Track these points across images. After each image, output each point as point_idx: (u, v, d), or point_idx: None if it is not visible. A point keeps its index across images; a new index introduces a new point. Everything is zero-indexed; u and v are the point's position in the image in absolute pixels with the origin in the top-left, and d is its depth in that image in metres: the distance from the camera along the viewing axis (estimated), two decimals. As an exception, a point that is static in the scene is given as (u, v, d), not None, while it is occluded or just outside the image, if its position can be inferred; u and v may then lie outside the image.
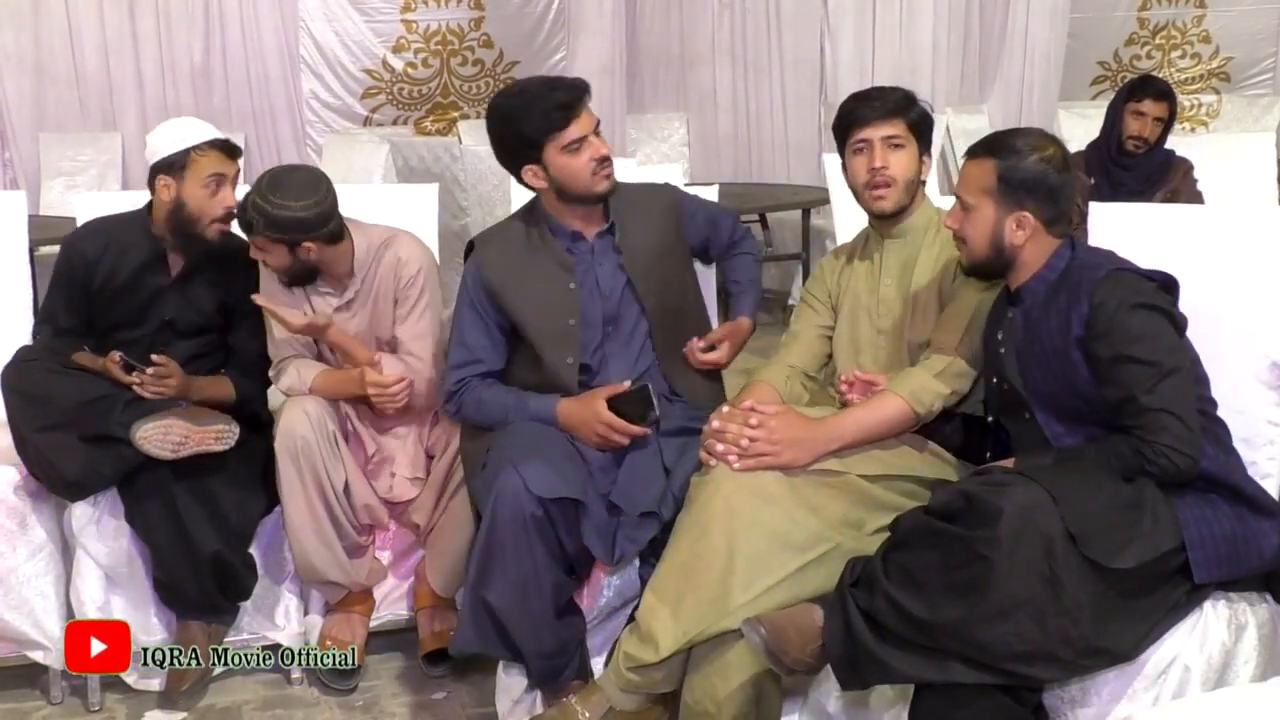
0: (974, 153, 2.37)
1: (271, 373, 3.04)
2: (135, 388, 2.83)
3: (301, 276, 2.93)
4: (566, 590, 2.58)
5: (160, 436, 2.75)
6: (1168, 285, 2.26)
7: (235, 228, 2.95)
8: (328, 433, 2.87)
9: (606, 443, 2.63)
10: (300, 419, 2.85)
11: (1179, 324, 2.22)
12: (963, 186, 2.36)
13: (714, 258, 3.07)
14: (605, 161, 2.67)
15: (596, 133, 2.67)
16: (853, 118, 2.61)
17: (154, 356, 2.85)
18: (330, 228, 2.85)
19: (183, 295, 3.01)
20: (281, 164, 3.02)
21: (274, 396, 3.16)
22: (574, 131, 2.62)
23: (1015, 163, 2.30)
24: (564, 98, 2.62)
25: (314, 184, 2.85)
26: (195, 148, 2.91)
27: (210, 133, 2.95)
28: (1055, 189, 2.28)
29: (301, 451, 2.82)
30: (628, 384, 2.66)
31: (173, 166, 2.91)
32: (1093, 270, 2.22)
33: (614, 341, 2.77)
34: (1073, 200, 2.32)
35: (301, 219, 2.79)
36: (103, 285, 2.98)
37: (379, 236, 3.01)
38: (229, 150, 2.96)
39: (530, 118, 2.60)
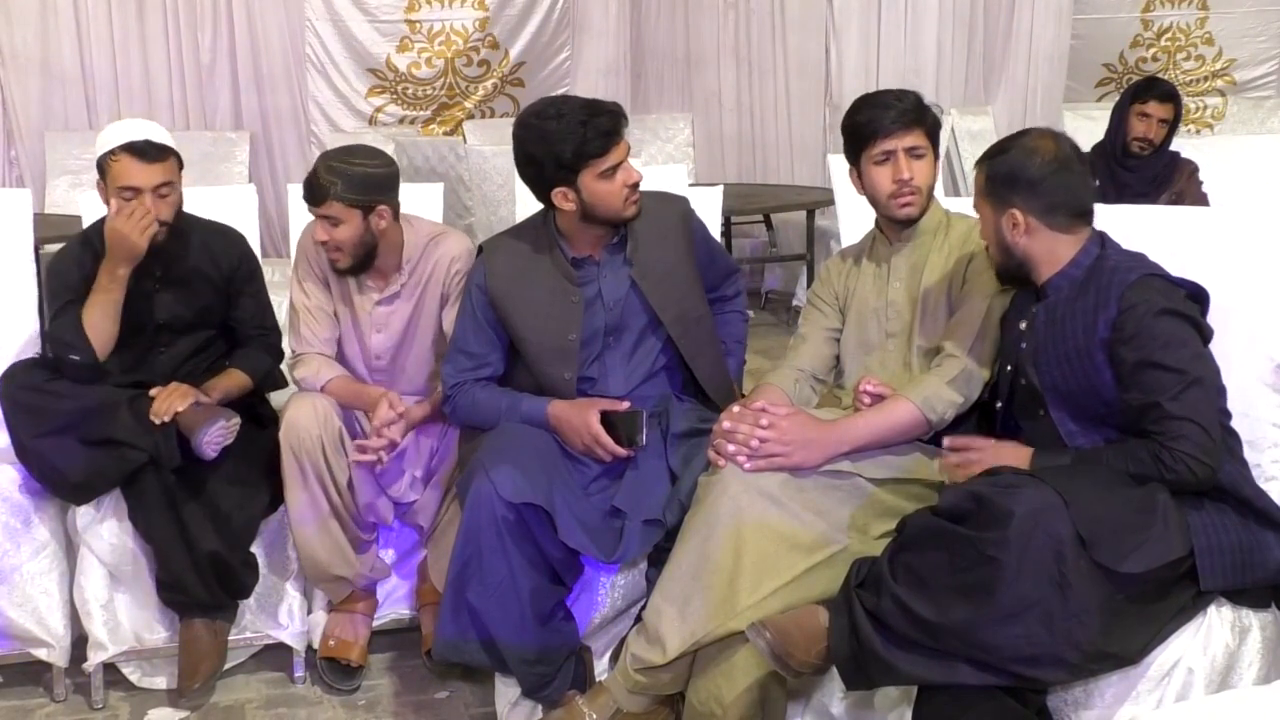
0: (976, 161, 2.38)
1: (288, 362, 3.05)
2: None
3: (363, 259, 2.93)
4: (548, 596, 2.57)
5: (219, 440, 2.77)
6: (1197, 295, 2.25)
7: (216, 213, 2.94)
8: (333, 429, 2.88)
9: (590, 453, 2.64)
10: (306, 414, 2.86)
11: (1205, 334, 2.22)
12: (974, 195, 2.39)
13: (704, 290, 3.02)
14: (636, 188, 2.67)
15: (628, 158, 2.67)
16: (873, 127, 2.56)
17: (151, 391, 2.83)
18: (397, 196, 2.92)
19: (174, 294, 3.00)
20: (340, 146, 3.00)
21: (281, 393, 3.17)
22: (612, 158, 2.61)
23: (997, 162, 2.31)
24: (607, 124, 2.59)
25: (379, 150, 2.94)
26: (110, 153, 2.84)
27: (124, 135, 2.84)
28: (1034, 180, 2.26)
29: (305, 447, 2.83)
30: (625, 405, 2.66)
31: (101, 172, 2.87)
32: (1123, 273, 2.21)
33: (614, 352, 2.77)
34: (1073, 191, 2.28)
35: (379, 177, 2.86)
36: None
37: (426, 231, 3.04)
38: (141, 154, 2.83)
39: (570, 142, 2.57)
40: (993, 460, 2.25)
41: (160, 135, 2.91)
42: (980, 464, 2.26)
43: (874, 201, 2.64)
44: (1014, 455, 2.26)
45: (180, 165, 2.94)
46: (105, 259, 2.84)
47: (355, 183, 2.82)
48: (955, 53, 7.35)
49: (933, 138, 2.60)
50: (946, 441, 2.34)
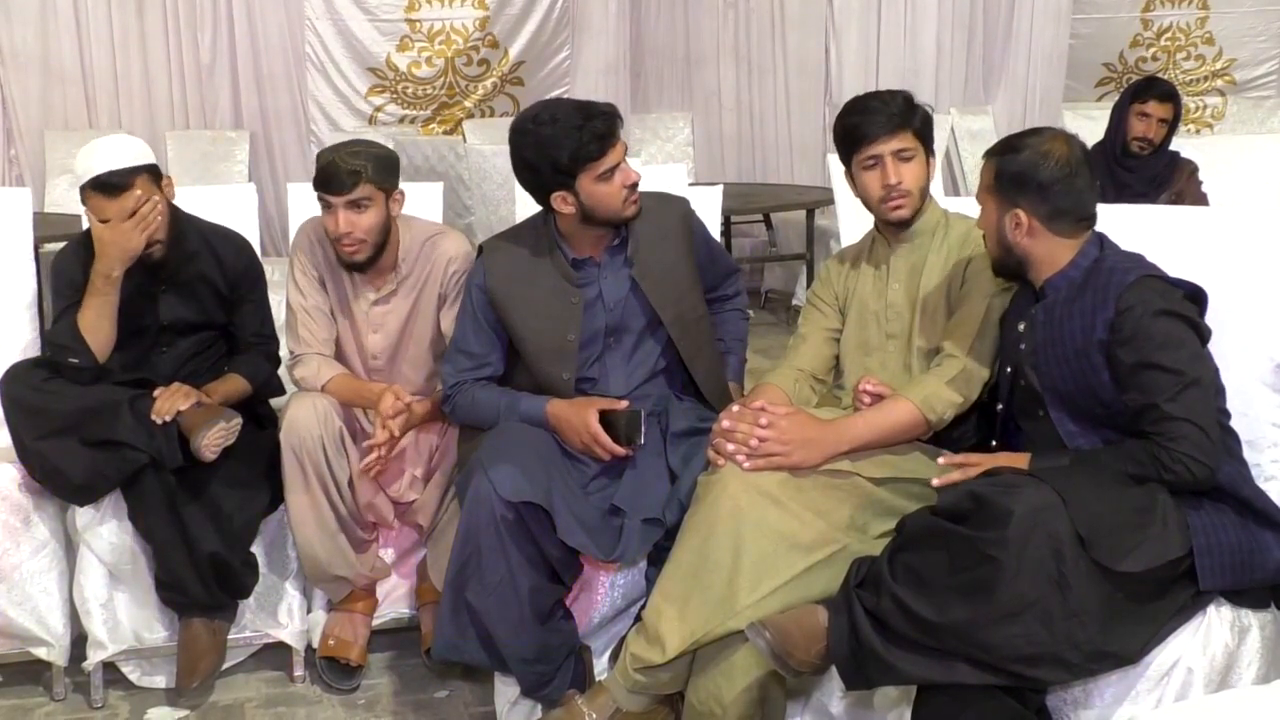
0: (986, 153, 2.38)
1: (288, 362, 3.05)
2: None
3: (380, 248, 2.91)
4: (547, 595, 2.57)
5: (219, 442, 2.77)
6: (1195, 296, 2.25)
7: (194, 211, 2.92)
8: (333, 429, 2.88)
9: (589, 452, 2.64)
10: (307, 414, 2.86)
11: (1203, 334, 2.21)
12: (978, 187, 2.38)
13: (703, 290, 3.00)
14: (635, 188, 2.67)
15: (625, 158, 2.67)
16: (859, 133, 2.55)
17: (155, 393, 2.83)
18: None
19: (178, 296, 3.00)
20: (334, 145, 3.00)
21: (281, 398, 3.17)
22: (609, 160, 2.61)
23: (1008, 160, 2.30)
24: (601, 127, 2.59)
25: (375, 140, 3.00)
26: (82, 189, 2.83)
27: (90, 168, 2.80)
28: (1044, 185, 2.26)
29: (305, 446, 2.83)
30: (625, 404, 2.66)
31: (83, 200, 2.87)
32: (1121, 274, 2.21)
33: (615, 353, 2.77)
34: (1080, 199, 2.28)
35: (395, 161, 2.93)
36: None
37: (422, 231, 3.04)
38: (106, 188, 2.79)
39: (566, 147, 2.57)
40: (990, 464, 2.25)
41: (126, 154, 2.84)
42: (979, 468, 2.26)
43: (866, 205, 2.64)
44: (1011, 461, 2.26)
45: (157, 177, 2.89)
46: (97, 261, 2.84)
47: (382, 165, 2.87)
48: (955, 53, 7.36)
49: (923, 137, 2.59)
50: (942, 460, 2.34)
